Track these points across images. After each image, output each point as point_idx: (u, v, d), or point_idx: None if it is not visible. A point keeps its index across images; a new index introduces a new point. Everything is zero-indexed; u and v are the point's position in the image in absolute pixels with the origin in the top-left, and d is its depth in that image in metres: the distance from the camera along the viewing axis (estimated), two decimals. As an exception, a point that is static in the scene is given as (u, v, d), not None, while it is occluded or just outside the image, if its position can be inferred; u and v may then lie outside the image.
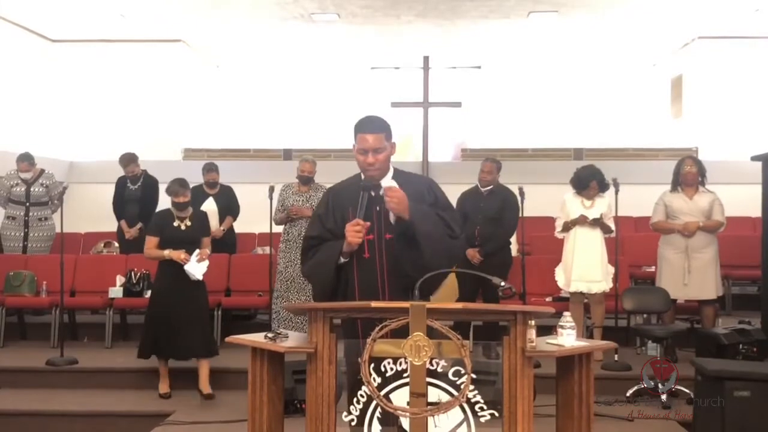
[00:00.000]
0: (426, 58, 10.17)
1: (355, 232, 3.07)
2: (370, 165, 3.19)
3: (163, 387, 5.79)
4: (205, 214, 6.07)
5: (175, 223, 5.73)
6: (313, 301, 3.38)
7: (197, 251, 5.63)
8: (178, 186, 5.75)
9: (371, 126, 3.23)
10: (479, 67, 10.84)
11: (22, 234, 7.77)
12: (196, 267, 5.58)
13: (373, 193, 3.21)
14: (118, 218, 8.08)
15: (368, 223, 3.12)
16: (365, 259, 3.18)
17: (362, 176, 3.29)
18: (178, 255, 5.56)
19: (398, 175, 3.31)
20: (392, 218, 3.15)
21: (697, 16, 9.75)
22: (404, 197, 3.09)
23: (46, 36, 10.91)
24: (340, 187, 3.40)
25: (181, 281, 5.60)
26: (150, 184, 8.03)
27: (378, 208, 3.19)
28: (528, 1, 9.25)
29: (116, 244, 8.32)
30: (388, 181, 3.22)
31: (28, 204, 7.73)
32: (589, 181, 6.30)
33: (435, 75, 10.26)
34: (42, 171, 7.91)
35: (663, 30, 10.44)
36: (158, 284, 5.81)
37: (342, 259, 3.17)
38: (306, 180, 6.63)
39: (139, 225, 7.96)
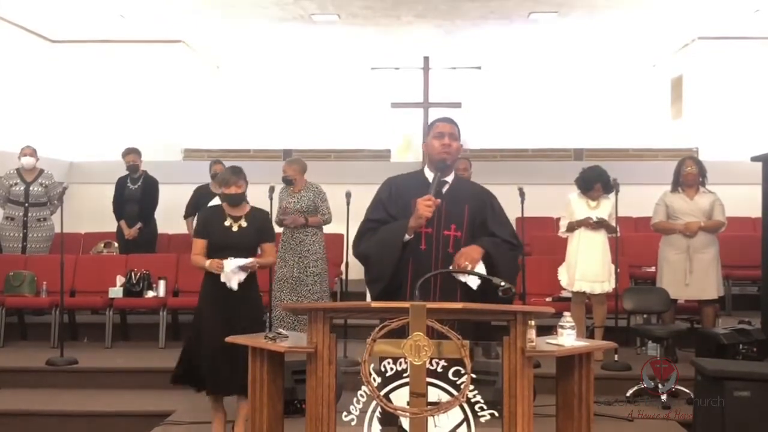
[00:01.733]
0: (426, 59, 10.15)
1: (426, 205, 3.18)
2: (446, 146, 3.35)
3: (217, 429, 4.65)
4: (266, 214, 4.83)
5: (227, 223, 4.55)
6: (367, 283, 3.37)
7: (237, 260, 4.43)
8: (229, 174, 4.61)
9: (448, 119, 3.49)
10: (479, 68, 10.82)
11: (21, 234, 7.76)
12: (233, 276, 4.46)
13: (438, 188, 3.33)
14: (118, 218, 8.09)
15: (439, 201, 3.24)
16: (421, 251, 3.26)
17: (425, 171, 3.45)
18: (214, 265, 4.44)
19: (459, 179, 3.52)
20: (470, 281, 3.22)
21: (697, 16, 9.75)
22: (474, 260, 3.19)
23: (47, 37, 10.91)
24: (402, 178, 3.53)
25: (229, 299, 4.47)
26: (150, 184, 8.06)
27: (440, 203, 3.27)
28: (528, 2, 9.25)
29: (116, 245, 8.32)
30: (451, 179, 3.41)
31: (26, 204, 7.72)
32: (594, 183, 6.31)
33: (435, 75, 10.25)
34: (41, 171, 7.91)
35: (663, 31, 10.44)
36: (202, 301, 4.64)
37: (407, 236, 3.24)
38: (287, 182, 6.66)
39: (139, 225, 7.97)
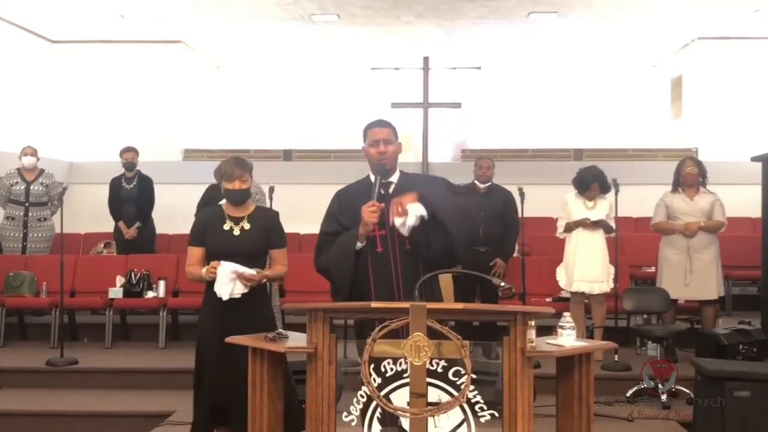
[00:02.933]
0: (426, 59, 10.17)
1: (371, 212, 3.22)
2: (381, 154, 3.39)
3: None
4: (275, 215, 4.08)
5: (226, 226, 3.83)
6: (331, 296, 3.44)
7: (235, 265, 3.69)
8: (233, 165, 3.83)
9: (380, 122, 3.51)
10: (479, 68, 10.83)
11: (21, 234, 7.76)
12: (228, 284, 3.71)
13: (383, 191, 3.36)
14: (115, 218, 8.10)
15: (383, 204, 3.26)
16: (378, 254, 3.31)
17: (371, 176, 3.45)
18: (207, 270, 3.75)
19: (405, 176, 3.51)
20: (405, 230, 3.23)
21: (696, 16, 9.75)
22: (410, 197, 3.22)
23: (47, 37, 10.91)
24: (350, 189, 3.55)
25: (231, 320, 3.68)
26: (145, 184, 8.09)
27: (389, 204, 3.28)
28: (528, 2, 9.25)
29: (115, 245, 8.33)
30: (397, 178, 3.39)
31: (27, 204, 7.72)
32: (590, 183, 6.30)
33: (435, 75, 10.26)
34: (42, 171, 7.92)
35: (663, 31, 10.44)
36: (202, 325, 3.90)
37: (359, 244, 3.28)
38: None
39: (137, 224, 7.98)
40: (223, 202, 4.00)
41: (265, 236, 3.89)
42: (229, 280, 3.68)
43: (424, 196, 3.23)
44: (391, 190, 3.42)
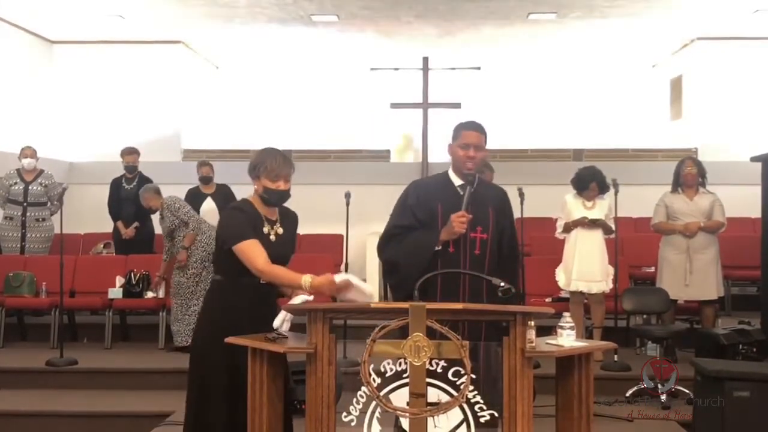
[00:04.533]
0: (425, 59, 10.16)
1: (461, 222, 3.30)
2: (470, 158, 3.41)
3: None
4: (297, 217, 3.58)
5: (265, 229, 3.35)
6: (392, 287, 3.53)
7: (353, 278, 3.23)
8: (281, 163, 3.35)
9: (477, 126, 3.49)
10: (479, 68, 10.83)
11: (20, 234, 7.77)
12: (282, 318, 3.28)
13: (461, 192, 3.43)
14: (114, 219, 8.11)
15: (471, 216, 3.35)
16: (450, 254, 3.37)
17: (450, 173, 3.51)
18: (327, 285, 3.24)
19: (481, 182, 3.56)
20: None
21: (696, 17, 9.75)
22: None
23: (46, 37, 10.90)
24: (428, 183, 3.69)
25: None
26: (144, 184, 8.08)
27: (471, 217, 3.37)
28: (527, 3, 9.24)
29: (114, 245, 8.33)
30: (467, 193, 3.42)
31: (25, 204, 7.73)
32: (589, 182, 6.31)
33: (434, 76, 10.25)
34: (41, 171, 7.92)
35: (662, 31, 10.44)
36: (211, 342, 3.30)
37: (437, 247, 3.36)
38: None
39: (135, 224, 7.98)
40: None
41: (293, 241, 3.55)
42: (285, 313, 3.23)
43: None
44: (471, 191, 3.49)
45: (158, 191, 6.95)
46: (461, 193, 3.41)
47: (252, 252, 3.22)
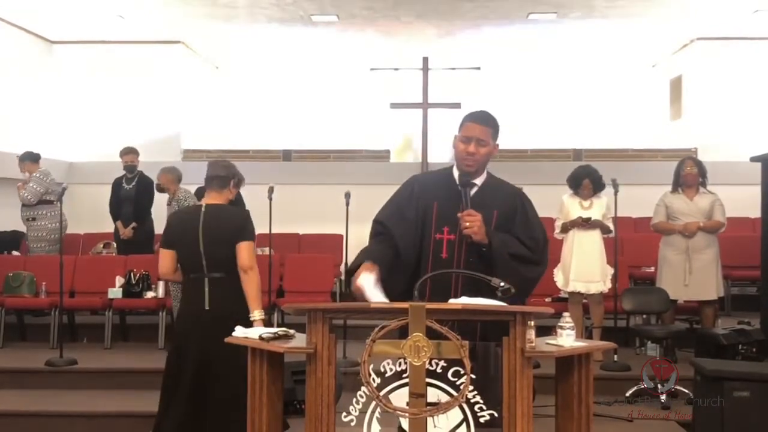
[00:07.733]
0: (425, 59, 10.17)
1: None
2: (469, 155, 3.07)
3: None
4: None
5: None
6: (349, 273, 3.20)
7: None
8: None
9: (482, 117, 3.12)
10: (479, 68, 10.84)
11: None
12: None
13: (461, 189, 3.11)
14: (114, 219, 8.11)
15: (480, 216, 3.00)
16: (442, 259, 3.09)
17: (454, 170, 3.18)
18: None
19: (491, 179, 3.21)
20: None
21: (696, 17, 9.75)
22: (482, 225, 3.00)
23: (46, 37, 10.91)
24: (428, 177, 3.31)
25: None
26: (145, 184, 8.13)
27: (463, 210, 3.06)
28: (527, 3, 9.25)
29: (115, 245, 8.33)
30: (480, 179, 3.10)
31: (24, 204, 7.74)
32: (581, 180, 6.32)
33: (434, 76, 10.26)
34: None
35: (662, 31, 10.44)
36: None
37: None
38: (161, 190, 7.14)
39: (133, 224, 7.98)
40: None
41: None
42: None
43: (491, 231, 3.02)
44: (472, 192, 3.13)
45: (180, 178, 6.97)
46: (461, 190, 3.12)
47: (253, 251, 3.79)
